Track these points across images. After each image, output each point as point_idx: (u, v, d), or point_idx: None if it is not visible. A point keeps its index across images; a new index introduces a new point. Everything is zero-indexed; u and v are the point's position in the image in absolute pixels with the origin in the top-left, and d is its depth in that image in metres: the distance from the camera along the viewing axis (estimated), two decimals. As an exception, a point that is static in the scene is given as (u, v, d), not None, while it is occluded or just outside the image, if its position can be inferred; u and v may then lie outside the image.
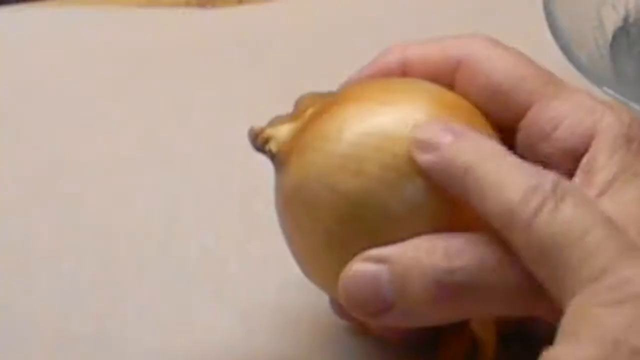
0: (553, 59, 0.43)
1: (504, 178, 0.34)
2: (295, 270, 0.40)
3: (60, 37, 0.57)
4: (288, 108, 0.40)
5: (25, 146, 0.51)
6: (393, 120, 0.37)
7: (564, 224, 0.32)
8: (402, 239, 0.35)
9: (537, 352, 0.31)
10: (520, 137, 0.38)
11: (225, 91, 0.53)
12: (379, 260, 0.35)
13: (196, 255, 0.46)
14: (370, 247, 0.36)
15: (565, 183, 0.33)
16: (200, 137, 0.51)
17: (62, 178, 0.50)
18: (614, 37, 0.51)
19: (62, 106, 0.53)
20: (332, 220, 0.37)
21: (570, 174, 0.36)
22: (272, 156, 0.39)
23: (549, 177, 0.33)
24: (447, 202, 0.36)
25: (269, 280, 0.45)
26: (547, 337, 0.31)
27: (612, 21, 0.52)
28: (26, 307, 0.44)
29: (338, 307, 0.41)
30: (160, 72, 0.54)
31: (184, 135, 0.51)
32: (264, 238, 0.45)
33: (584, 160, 0.36)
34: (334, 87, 0.41)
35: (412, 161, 0.36)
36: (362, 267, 0.35)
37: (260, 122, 0.40)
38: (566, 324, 0.31)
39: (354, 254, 0.36)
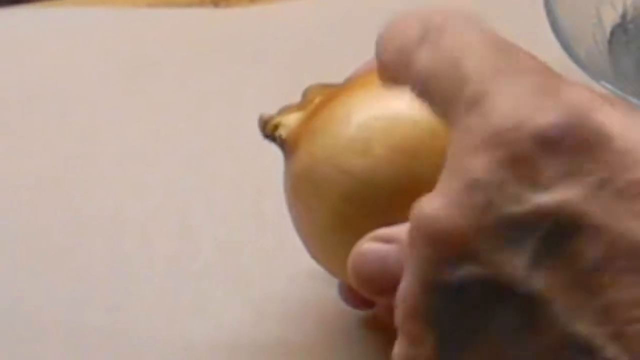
0: (554, 55, 0.43)
1: None
2: (305, 262, 0.40)
3: (75, 36, 0.57)
4: (297, 104, 0.41)
5: (38, 142, 0.51)
6: (400, 104, 0.36)
7: (443, 52, 0.32)
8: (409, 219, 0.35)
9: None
10: None
11: (237, 88, 0.53)
12: (387, 239, 0.35)
13: (209, 248, 0.46)
14: (377, 226, 0.36)
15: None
16: (212, 134, 0.51)
17: (75, 173, 0.50)
18: (612, 34, 0.51)
19: (75, 103, 0.53)
20: (340, 200, 0.37)
21: None
22: (282, 142, 0.39)
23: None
24: None
25: (280, 271, 0.45)
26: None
27: (610, 19, 0.52)
28: (39, 300, 0.45)
29: (346, 294, 0.41)
30: (174, 70, 0.54)
31: (197, 132, 0.51)
32: (275, 232, 0.46)
33: None
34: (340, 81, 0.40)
35: (418, 143, 0.36)
36: (371, 246, 0.35)
37: (270, 117, 0.41)
38: (444, 169, 0.32)
39: (362, 234, 0.36)
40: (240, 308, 0.44)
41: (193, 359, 0.43)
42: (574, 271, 0.29)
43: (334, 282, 0.42)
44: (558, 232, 0.29)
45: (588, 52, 0.48)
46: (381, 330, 0.41)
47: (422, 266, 0.31)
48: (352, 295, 0.41)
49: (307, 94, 0.40)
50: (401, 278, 0.34)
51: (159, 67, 0.54)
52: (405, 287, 0.31)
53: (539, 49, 0.38)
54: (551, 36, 0.47)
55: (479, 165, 0.30)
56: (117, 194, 0.49)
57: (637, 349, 0.28)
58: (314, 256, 0.40)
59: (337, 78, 0.40)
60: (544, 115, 0.29)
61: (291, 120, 0.40)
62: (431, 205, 0.30)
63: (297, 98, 0.40)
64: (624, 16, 0.52)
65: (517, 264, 0.29)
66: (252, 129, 0.40)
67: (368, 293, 0.36)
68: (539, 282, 0.29)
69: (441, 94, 0.32)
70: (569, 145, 0.29)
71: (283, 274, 0.45)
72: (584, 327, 0.29)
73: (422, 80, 0.33)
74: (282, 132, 0.39)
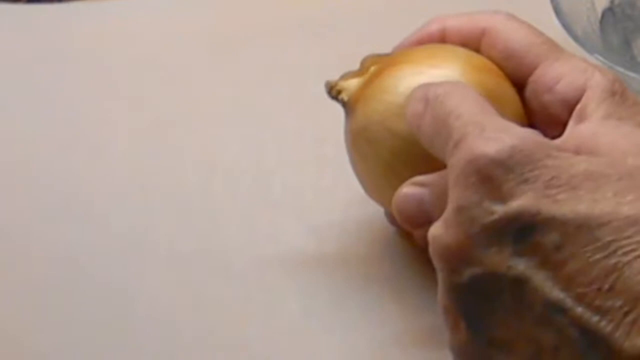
0: (556, 34, 0.46)
1: None
2: (357, 196, 0.45)
3: (172, 19, 0.59)
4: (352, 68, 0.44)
5: (138, 106, 0.54)
6: (437, 79, 0.40)
7: (437, 115, 0.38)
8: (440, 169, 0.38)
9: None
10: (529, 89, 0.42)
11: (302, 57, 0.56)
12: (422, 184, 0.39)
13: (280, 186, 0.50)
14: (416, 174, 0.39)
15: None
16: (283, 95, 0.54)
17: (174, 129, 0.53)
18: (603, 16, 0.54)
19: (173, 73, 0.56)
20: (388, 154, 0.41)
21: (565, 119, 0.40)
22: (344, 104, 0.44)
23: None
24: None
25: (336, 204, 0.49)
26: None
27: (601, 3, 0.55)
28: (144, 229, 0.49)
29: (392, 218, 0.46)
30: (253, 43, 0.56)
31: (270, 94, 0.54)
32: (332, 173, 0.50)
33: (577, 108, 0.39)
34: (389, 50, 0.45)
35: None
36: (410, 190, 0.39)
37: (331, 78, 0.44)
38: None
39: (405, 179, 0.40)
40: (305, 234, 0.48)
41: (267, 275, 0.47)
42: (542, 254, 0.33)
43: (381, 210, 0.46)
44: (524, 229, 0.33)
45: (583, 30, 0.51)
46: (416, 246, 0.45)
47: (441, 275, 0.35)
48: (395, 218, 0.42)
49: (364, 63, 0.44)
50: (433, 215, 0.37)
51: (242, 42, 0.56)
52: (439, 291, 0.36)
53: (544, 28, 0.43)
54: (554, 18, 0.51)
55: (460, 192, 0.34)
56: (207, 145, 0.52)
57: (596, 304, 0.32)
58: (368, 193, 0.45)
59: (388, 49, 0.45)
60: (497, 144, 0.34)
61: (351, 85, 0.43)
62: (436, 229, 0.35)
63: (356, 65, 0.44)
64: (612, 1, 0.55)
65: (502, 258, 0.33)
66: (317, 91, 0.45)
67: (408, 228, 0.40)
68: (520, 267, 0.33)
69: (439, 146, 0.37)
70: (517, 162, 0.33)
71: (339, 206, 0.48)
72: (556, 294, 0.32)
73: (426, 140, 0.38)
74: (344, 95, 0.43)
